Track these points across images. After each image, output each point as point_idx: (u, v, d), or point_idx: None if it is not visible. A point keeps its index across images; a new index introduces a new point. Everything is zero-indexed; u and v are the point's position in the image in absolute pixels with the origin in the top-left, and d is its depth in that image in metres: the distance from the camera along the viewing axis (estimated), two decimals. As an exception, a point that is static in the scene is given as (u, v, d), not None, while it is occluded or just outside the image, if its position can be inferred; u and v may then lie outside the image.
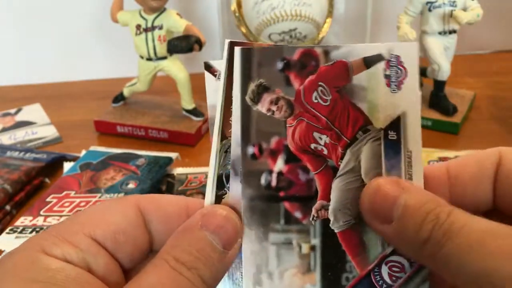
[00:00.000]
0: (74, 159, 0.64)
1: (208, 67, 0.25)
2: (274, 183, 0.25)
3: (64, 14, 0.90)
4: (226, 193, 0.25)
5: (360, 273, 0.24)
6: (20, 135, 0.76)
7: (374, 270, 0.24)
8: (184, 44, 0.68)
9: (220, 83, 0.25)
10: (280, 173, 0.25)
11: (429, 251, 0.21)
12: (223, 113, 0.25)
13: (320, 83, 0.24)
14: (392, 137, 0.24)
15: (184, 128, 0.71)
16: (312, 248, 0.25)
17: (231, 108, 0.24)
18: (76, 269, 0.22)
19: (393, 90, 0.24)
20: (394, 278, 0.24)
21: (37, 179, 0.62)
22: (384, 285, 0.24)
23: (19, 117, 0.81)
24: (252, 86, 0.24)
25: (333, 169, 0.25)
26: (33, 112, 0.83)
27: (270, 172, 0.25)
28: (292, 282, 0.25)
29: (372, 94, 0.24)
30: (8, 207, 0.57)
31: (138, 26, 0.71)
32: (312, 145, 0.25)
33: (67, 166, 0.63)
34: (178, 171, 0.61)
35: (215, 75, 0.25)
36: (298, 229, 0.25)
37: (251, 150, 0.25)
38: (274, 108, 0.25)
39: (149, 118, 0.74)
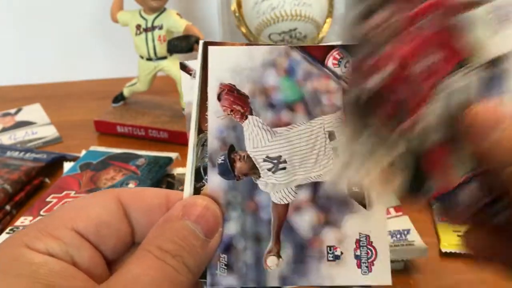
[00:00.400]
0: (74, 159, 0.64)
1: (184, 67, 0.27)
2: None
3: (64, 14, 0.90)
4: (204, 185, 0.26)
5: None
6: (20, 135, 0.76)
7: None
8: (184, 44, 0.68)
9: (196, 81, 0.26)
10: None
11: None
12: (199, 109, 0.26)
13: None
14: None
15: (184, 128, 0.71)
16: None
17: (207, 104, 0.26)
18: (60, 263, 0.22)
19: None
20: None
21: (37, 179, 0.62)
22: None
23: (19, 117, 0.81)
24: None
25: None
26: (33, 112, 0.83)
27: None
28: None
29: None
30: (8, 207, 0.57)
31: (138, 26, 0.71)
32: None
33: (67, 166, 0.62)
34: (178, 171, 0.61)
35: (190, 74, 0.27)
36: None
37: None
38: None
39: (149, 118, 0.74)
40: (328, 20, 0.77)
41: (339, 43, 0.27)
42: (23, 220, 0.54)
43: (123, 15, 0.72)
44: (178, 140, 0.71)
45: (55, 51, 0.93)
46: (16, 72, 0.93)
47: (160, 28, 0.70)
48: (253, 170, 0.26)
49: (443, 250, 0.48)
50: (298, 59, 0.27)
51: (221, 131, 0.26)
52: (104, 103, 0.80)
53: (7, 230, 0.53)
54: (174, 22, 0.70)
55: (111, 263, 0.25)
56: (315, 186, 0.26)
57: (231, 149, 0.26)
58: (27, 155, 0.66)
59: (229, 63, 0.27)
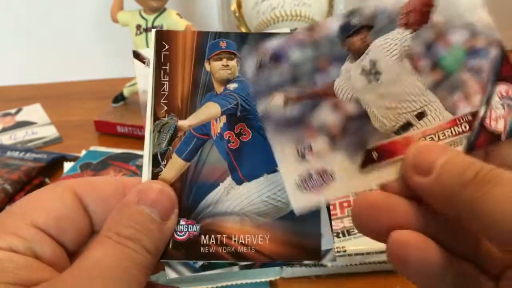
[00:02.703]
0: (74, 159, 0.64)
1: (137, 55, 0.28)
2: None
3: (64, 14, 0.90)
4: (161, 170, 0.26)
5: None
6: (20, 135, 0.76)
7: None
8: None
9: (150, 69, 0.27)
10: None
11: (468, 196, 0.20)
12: (154, 96, 0.27)
13: None
14: None
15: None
16: None
17: (162, 91, 0.27)
18: (24, 257, 0.23)
19: None
20: None
21: (37, 179, 0.62)
22: None
23: (19, 117, 0.81)
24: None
25: None
26: (33, 112, 0.83)
27: None
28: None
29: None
30: (8, 207, 0.57)
31: (139, 26, 0.71)
32: None
33: (67, 166, 0.63)
34: (178, 171, 0.61)
35: (144, 62, 0.28)
36: None
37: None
38: None
39: (149, 118, 0.74)
40: (328, 20, 0.77)
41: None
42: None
43: (123, 15, 0.72)
44: (178, 140, 0.71)
45: (55, 51, 0.93)
46: (16, 72, 0.93)
47: (160, 28, 0.70)
48: None
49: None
50: None
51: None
52: (104, 103, 0.80)
53: (7, 230, 0.53)
54: (174, 22, 0.70)
55: (73, 254, 0.25)
56: None
57: None
58: (27, 155, 0.66)
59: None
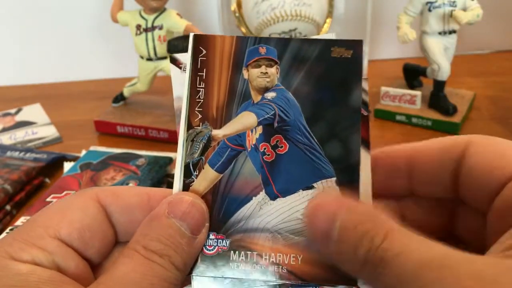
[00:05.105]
0: (74, 159, 0.64)
1: (174, 60, 0.26)
2: None
3: (64, 14, 0.90)
4: (193, 181, 0.25)
5: None
6: (20, 135, 0.76)
7: None
8: (184, 44, 0.68)
9: (186, 75, 0.26)
10: None
11: (368, 273, 0.20)
12: (189, 104, 0.26)
13: None
14: None
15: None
16: None
17: (197, 99, 0.26)
18: (47, 271, 0.22)
19: None
20: None
21: (37, 179, 0.62)
22: None
23: (19, 117, 0.81)
24: None
25: None
26: (33, 112, 0.83)
27: None
28: None
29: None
30: (8, 207, 0.57)
31: (138, 26, 0.71)
32: None
33: (67, 166, 0.63)
34: (178, 171, 0.61)
35: (180, 68, 0.26)
36: None
37: None
38: None
39: (149, 118, 0.74)
40: (328, 20, 0.77)
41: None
42: (23, 220, 0.54)
43: (123, 15, 0.72)
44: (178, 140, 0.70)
45: (55, 51, 0.93)
46: (16, 72, 0.93)
47: (160, 28, 0.70)
48: None
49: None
50: None
51: None
52: (104, 103, 0.80)
53: (7, 230, 0.53)
54: (174, 22, 0.70)
55: (96, 266, 0.25)
56: None
57: None
58: (27, 155, 0.66)
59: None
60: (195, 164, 0.25)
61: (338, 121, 0.25)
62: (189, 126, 0.26)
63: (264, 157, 0.26)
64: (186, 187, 0.25)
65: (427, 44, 0.69)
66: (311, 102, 0.26)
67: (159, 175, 0.59)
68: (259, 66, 0.26)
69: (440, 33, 0.69)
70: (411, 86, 0.77)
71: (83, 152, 0.65)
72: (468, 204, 0.24)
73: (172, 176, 0.60)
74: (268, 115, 0.26)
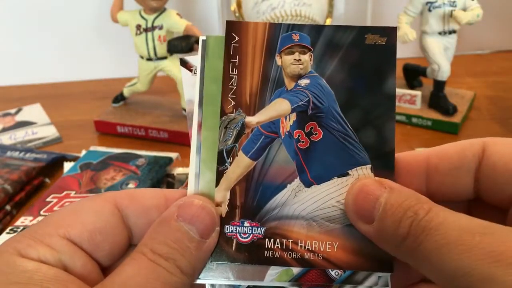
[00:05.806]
0: (74, 159, 0.64)
1: (184, 63, 0.26)
2: None
3: (64, 14, 0.90)
4: (227, 168, 0.25)
5: None
6: (20, 135, 0.76)
7: None
8: (184, 44, 0.68)
9: (197, 77, 0.26)
10: None
11: (408, 247, 0.21)
12: (222, 91, 0.26)
13: None
14: None
15: (184, 128, 0.71)
16: None
17: (230, 85, 0.26)
18: (52, 269, 0.22)
19: None
20: None
21: (37, 179, 0.62)
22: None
23: (19, 117, 0.81)
24: None
25: None
26: (33, 112, 0.83)
27: None
28: None
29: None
30: (8, 207, 0.57)
31: (138, 26, 0.71)
32: None
33: (67, 166, 0.62)
34: (178, 171, 0.61)
35: (191, 70, 0.26)
36: None
37: None
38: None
39: (149, 118, 0.74)
40: (328, 20, 0.77)
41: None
42: (23, 220, 0.54)
43: (123, 15, 0.72)
44: (178, 140, 0.71)
45: (55, 51, 0.93)
46: (16, 72, 0.93)
47: (160, 28, 0.70)
48: None
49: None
50: None
51: None
52: (104, 103, 0.80)
53: (7, 230, 0.53)
54: (174, 22, 0.70)
55: (107, 267, 0.25)
56: None
57: None
58: (27, 155, 0.66)
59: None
60: (228, 151, 0.25)
61: (372, 109, 0.26)
62: (222, 113, 0.25)
63: (298, 144, 0.25)
64: (220, 174, 0.25)
65: (427, 44, 0.69)
66: (345, 89, 0.25)
67: (159, 175, 0.59)
68: (293, 53, 0.26)
69: (440, 33, 0.69)
70: (411, 86, 0.77)
71: (83, 152, 0.65)
72: (488, 203, 0.25)
73: (172, 176, 0.60)
74: (302, 102, 0.26)
